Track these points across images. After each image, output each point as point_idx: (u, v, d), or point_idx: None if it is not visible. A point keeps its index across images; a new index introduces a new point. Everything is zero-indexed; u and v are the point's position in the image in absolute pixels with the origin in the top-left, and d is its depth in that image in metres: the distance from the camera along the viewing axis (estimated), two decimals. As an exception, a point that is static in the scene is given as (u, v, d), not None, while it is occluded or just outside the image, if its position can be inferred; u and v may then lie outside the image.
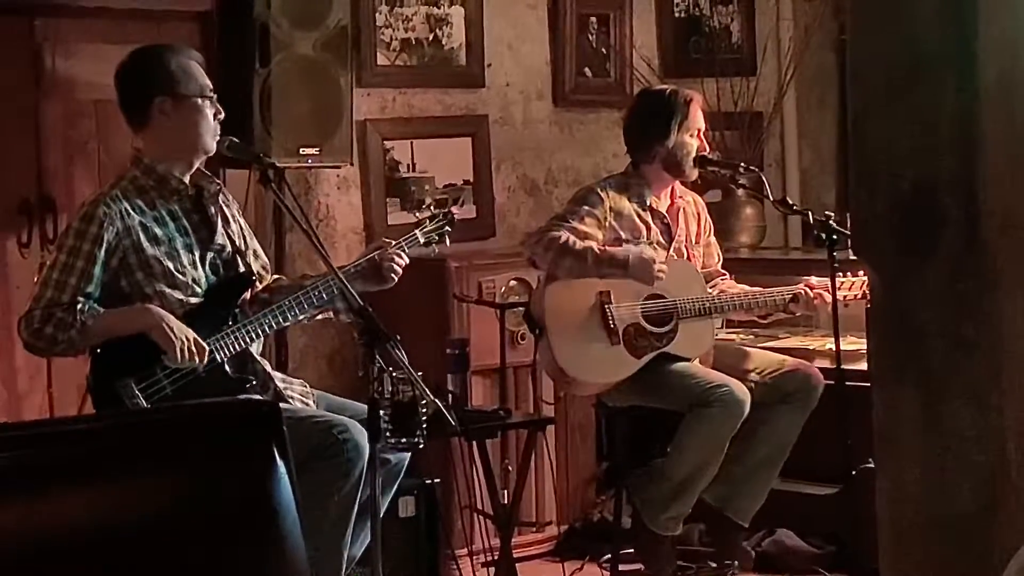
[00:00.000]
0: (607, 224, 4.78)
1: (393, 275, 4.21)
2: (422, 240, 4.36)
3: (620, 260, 4.70)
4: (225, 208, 4.18)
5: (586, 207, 4.78)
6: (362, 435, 3.88)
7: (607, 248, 4.70)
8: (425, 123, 5.93)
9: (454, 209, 4.46)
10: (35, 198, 5.09)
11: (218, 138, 4.09)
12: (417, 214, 4.42)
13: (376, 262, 4.20)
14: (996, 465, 2.87)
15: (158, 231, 4.02)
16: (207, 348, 3.93)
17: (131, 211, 3.99)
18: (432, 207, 4.44)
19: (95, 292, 3.93)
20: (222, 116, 4.11)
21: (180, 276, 4.01)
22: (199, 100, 4.05)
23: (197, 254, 4.07)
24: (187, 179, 4.10)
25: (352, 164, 5.48)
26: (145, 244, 3.98)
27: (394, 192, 5.83)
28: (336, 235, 5.70)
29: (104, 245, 3.93)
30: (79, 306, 3.88)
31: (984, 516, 2.87)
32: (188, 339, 3.89)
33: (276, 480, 2.21)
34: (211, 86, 4.09)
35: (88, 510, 2.11)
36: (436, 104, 5.98)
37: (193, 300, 4.02)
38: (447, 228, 4.40)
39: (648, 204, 4.86)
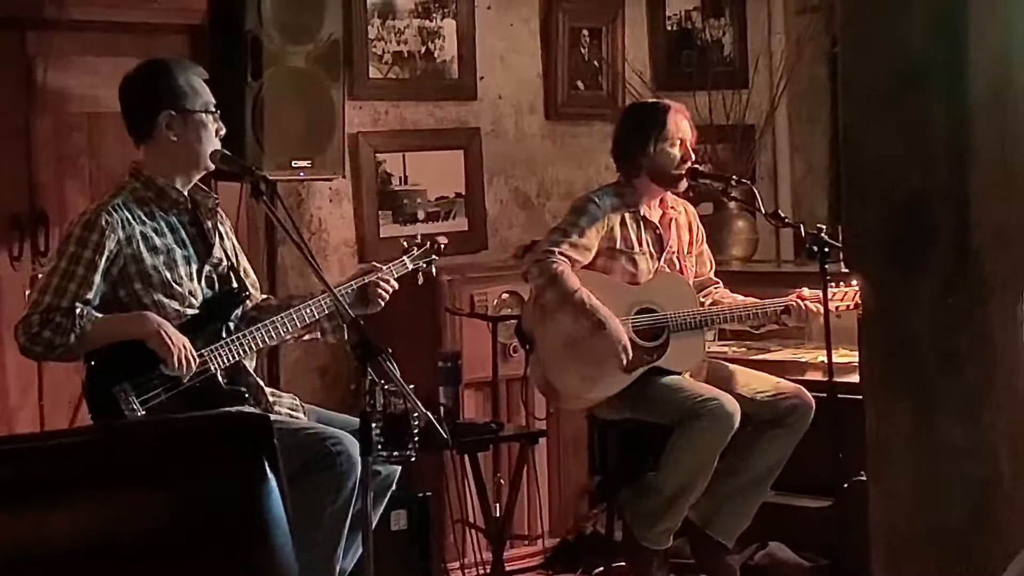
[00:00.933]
0: (603, 233, 4.78)
1: (380, 300, 4.22)
2: (410, 267, 4.40)
3: (598, 321, 4.65)
4: (220, 225, 4.19)
5: (586, 218, 4.78)
6: (355, 447, 3.88)
7: (595, 304, 4.67)
8: (417, 136, 5.93)
9: (440, 239, 4.50)
10: (26, 212, 5.09)
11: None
12: (405, 242, 4.45)
13: (365, 286, 4.21)
14: (988, 477, 2.87)
15: (157, 241, 4.04)
16: (201, 357, 3.95)
17: (132, 220, 4.01)
18: (419, 237, 4.49)
19: (94, 299, 3.95)
20: (223, 132, 4.14)
21: (177, 287, 4.03)
22: (204, 116, 4.08)
23: (195, 267, 4.09)
24: (186, 192, 4.11)
25: (344, 177, 5.48)
26: (145, 254, 4.00)
27: (386, 205, 5.83)
28: (328, 248, 5.69)
29: (105, 253, 3.95)
30: (78, 311, 3.89)
31: (977, 528, 2.87)
32: (185, 347, 3.91)
33: (267, 493, 2.21)
34: (215, 102, 4.12)
35: (79, 523, 2.11)
36: (428, 117, 5.98)
37: (189, 311, 4.04)
38: (433, 257, 4.44)
39: (641, 214, 4.86)
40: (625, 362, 4.67)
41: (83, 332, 3.88)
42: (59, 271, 3.93)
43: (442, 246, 4.48)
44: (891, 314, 2.94)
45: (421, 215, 5.90)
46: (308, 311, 4.12)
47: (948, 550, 2.89)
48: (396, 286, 4.27)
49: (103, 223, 3.95)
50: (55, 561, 2.07)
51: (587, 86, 6.40)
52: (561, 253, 4.70)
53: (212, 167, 4.12)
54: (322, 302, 4.10)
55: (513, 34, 6.22)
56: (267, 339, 4.10)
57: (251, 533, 2.21)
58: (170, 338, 3.90)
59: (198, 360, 3.94)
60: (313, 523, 3.92)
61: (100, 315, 3.93)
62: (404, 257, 4.39)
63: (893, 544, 2.96)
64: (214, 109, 4.11)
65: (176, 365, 3.89)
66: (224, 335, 4.06)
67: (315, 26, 4.99)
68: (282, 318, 4.10)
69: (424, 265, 4.42)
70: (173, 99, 4.06)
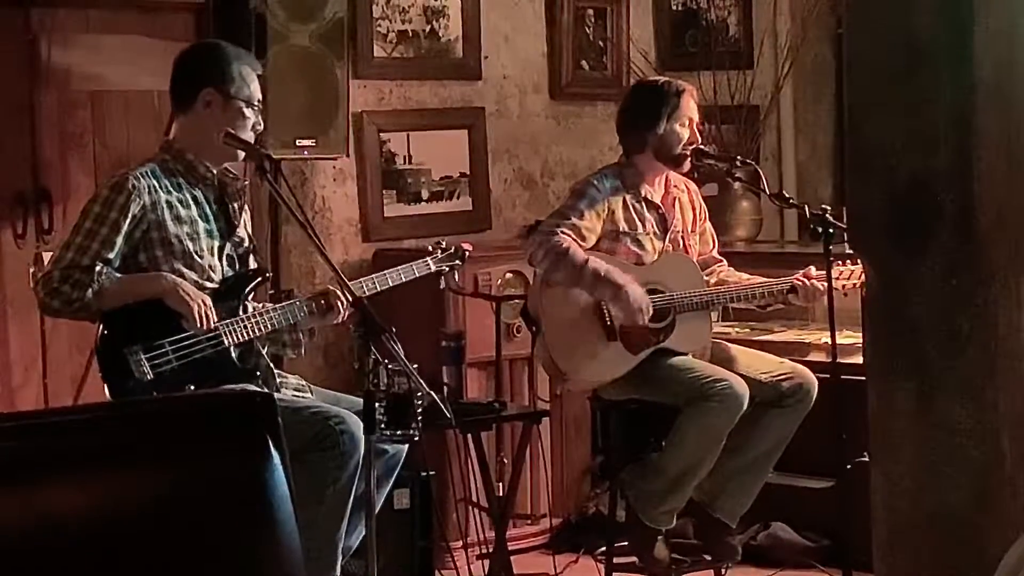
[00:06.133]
0: (605, 217, 4.77)
1: (338, 308, 4.13)
2: (432, 268, 4.44)
3: (616, 285, 4.64)
4: (242, 211, 4.23)
5: (586, 201, 4.76)
6: (358, 426, 3.89)
7: (608, 269, 4.68)
8: (422, 115, 5.93)
9: (466, 246, 4.53)
10: (30, 189, 5.09)
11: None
12: (430, 246, 4.49)
13: (325, 294, 4.17)
14: (990, 459, 2.87)
15: (182, 212, 4.08)
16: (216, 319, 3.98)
17: (158, 188, 4.06)
18: (445, 243, 4.53)
19: (115, 260, 3.98)
20: (260, 128, 4.17)
21: (198, 259, 4.06)
22: (244, 106, 4.10)
23: (216, 243, 4.13)
24: (214, 170, 4.14)
25: (348, 156, 5.48)
26: (169, 222, 4.04)
27: (390, 184, 5.83)
28: (332, 227, 5.69)
29: (129, 216, 3.98)
30: (98, 268, 3.92)
31: (978, 510, 2.88)
32: (205, 303, 3.94)
33: (271, 471, 2.21)
34: (260, 99, 4.16)
35: (82, 501, 2.11)
36: (432, 96, 5.98)
37: (208, 285, 4.07)
38: (457, 262, 4.49)
39: (643, 195, 4.85)
40: (647, 318, 4.66)
41: (101, 288, 3.91)
42: (83, 229, 3.97)
43: (467, 252, 4.51)
44: (894, 295, 2.94)
45: (425, 195, 5.90)
46: (324, 300, 4.14)
47: (949, 531, 2.89)
48: (350, 298, 4.11)
49: (130, 186, 4.00)
50: (58, 539, 2.07)
51: (591, 66, 6.39)
52: (563, 231, 4.69)
53: (240, 157, 4.14)
54: (339, 291, 4.11)
55: (518, 13, 6.21)
56: (282, 321, 4.11)
57: (255, 511, 2.21)
58: (188, 294, 3.94)
59: (216, 320, 3.96)
60: (316, 502, 3.93)
61: (119, 275, 3.96)
62: (427, 258, 4.43)
63: (894, 525, 2.97)
64: (257, 104, 4.14)
65: (196, 318, 3.92)
66: (240, 313, 4.08)
67: (319, 5, 4.99)
68: (299, 302, 4.14)
69: (447, 269, 4.47)
70: (220, 80, 4.11)
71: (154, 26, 4.99)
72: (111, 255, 3.96)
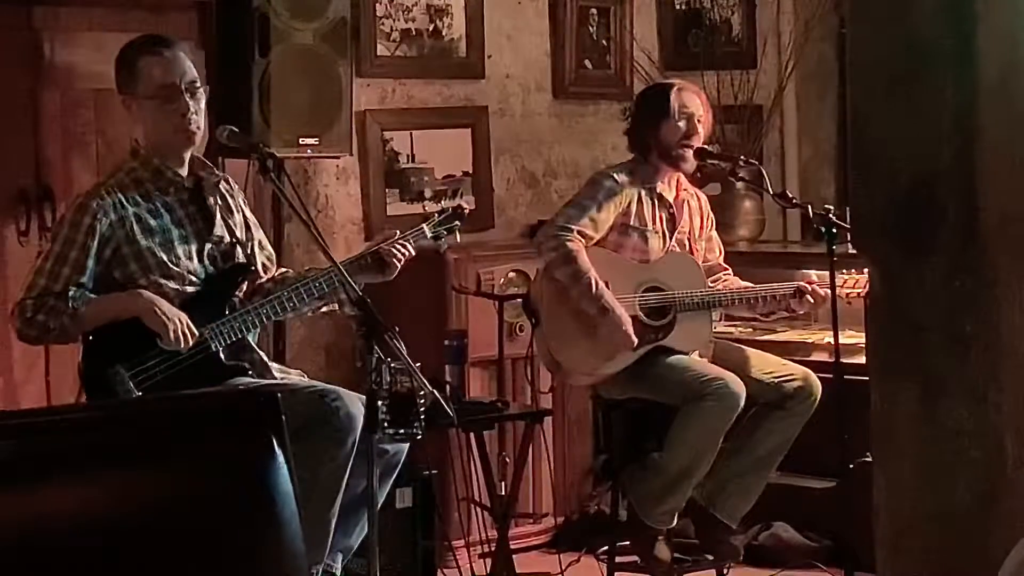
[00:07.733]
0: (621, 209, 4.78)
1: (395, 264, 4.20)
2: (429, 234, 4.34)
3: (603, 308, 4.63)
4: (229, 198, 4.20)
5: (603, 193, 4.76)
6: (354, 404, 3.89)
7: (602, 289, 4.66)
8: (425, 114, 5.93)
9: (464, 204, 4.46)
10: (33, 187, 5.09)
11: (198, 130, 4.09)
12: (425, 207, 4.40)
13: (378, 253, 4.20)
14: (993, 460, 2.87)
15: (152, 222, 4.04)
16: (196, 333, 3.95)
17: (125, 203, 4.03)
18: (436, 201, 4.42)
19: (88, 282, 3.97)
20: (194, 111, 4.05)
21: (174, 267, 4.04)
22: (154, 98, 4.05)
23: (193, 246, 4.09)
24: (183, 171, 4.12)
25: (351, 155, 5.48)
26: (139, 235, 4.01)
27: (393, 183, 5.83)
28: (335, 226, 5.70)
29: (97, 236, 3.97)
30: (71, 293, 3.91)
31: (981, 511, 2.88)
32: (181, 321, 3.92)
33: (274, 469, 2.21)
34: (175, 82, 4.04)
35: (86, 500, 2.11)
36: (436, 95, 5.98)
37: (189, 289, 4.04)
38: (456, 223, 4.38)
39: (657, 192, 4.86)
40: (628, 348, 4.67)
41: (76, 313, 3.90)
42: (53, 254, 3.97)
43: (466, 211, 4.44)
44: (897, 296, 2.93)
45: (428, 193, 5.90)
46: (317, 285, 4.12)
47: (951, 532, 2.89)
48: (413, 252, 4.24)
49: (94, 206, 3.98)
50: (60, 537, 2.07)
51: (595, 65, 6.39)
52: (579, 231, 4.69)
53: (189, 146, 4.10)
54: (333, 275, 4.07)
55: (521, 12, 6.21)
56: (273, 314, 4.10)
57: (258, 509, 2.21)
58: (164, 313, 3.91)
59: (195, 334, 3.94)
60: (310, 480, 3.86)
61: (94, 296, 3.95)
62: (423, 224, 4.34)
63: (896, 525, 2.97)
64: (172, 85, 4.04)
65: (172, 339, 3.90)
66: (227, 311, 4.06)
67: (323, 3, 4.98)
68: (289, 292, 4.11)
69: (445, 232, 4.35)
70: (126, 83, 4.09)
71: (157, 25, 4.97)
72: (83, 278, 3.95)
